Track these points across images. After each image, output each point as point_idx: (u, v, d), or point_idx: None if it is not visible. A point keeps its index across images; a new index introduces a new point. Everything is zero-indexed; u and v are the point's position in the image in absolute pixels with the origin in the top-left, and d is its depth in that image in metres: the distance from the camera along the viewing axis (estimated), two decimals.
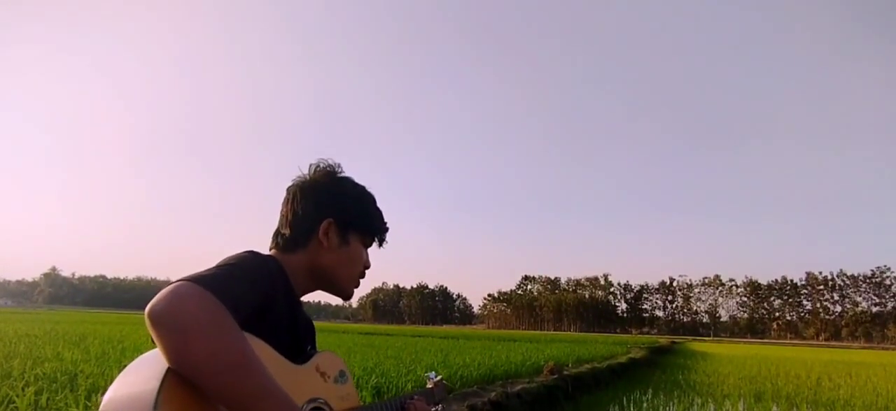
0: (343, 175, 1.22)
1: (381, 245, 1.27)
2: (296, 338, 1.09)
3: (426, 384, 1.43)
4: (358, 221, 1.19)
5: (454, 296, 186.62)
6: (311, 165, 1.21)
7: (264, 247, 1.16)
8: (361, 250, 1.21)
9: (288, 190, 1.19)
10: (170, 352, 0.77)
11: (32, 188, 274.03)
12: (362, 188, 1.23)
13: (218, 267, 0.92)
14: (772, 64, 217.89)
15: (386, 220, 1.26)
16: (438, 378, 1.45)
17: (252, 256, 1.00)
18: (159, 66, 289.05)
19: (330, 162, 1.22)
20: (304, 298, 1.18)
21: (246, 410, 0.80)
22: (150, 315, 0.77)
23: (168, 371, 0.78)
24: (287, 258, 1.12)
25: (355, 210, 1.19)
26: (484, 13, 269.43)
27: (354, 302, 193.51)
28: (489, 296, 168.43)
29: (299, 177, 1.20)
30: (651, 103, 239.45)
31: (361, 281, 1.24)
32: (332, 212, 1.15)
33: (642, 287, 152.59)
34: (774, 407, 7.94)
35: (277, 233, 1.16)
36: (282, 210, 1.18)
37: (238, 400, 0.79)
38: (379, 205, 1.27)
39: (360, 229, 1.20)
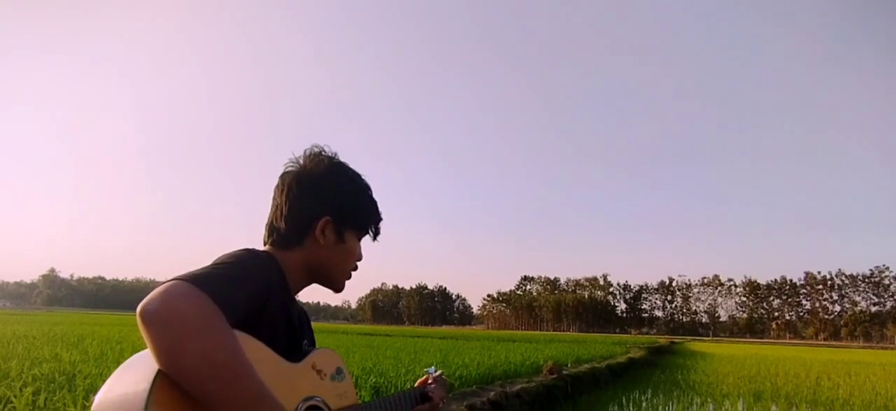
0: (339, 164, 1.17)
1: (375, 238, 1.23)
2: (292, 334, 1.07)
3: (427, 380, 1.41)
4: (354, 218, 1.16)
5: (453, 296, 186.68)
6: (306, 152, 1.15)
7: (261, 242, 1.14)
8: (356, 245, 1.18)
9: (282, 178, 1.14)
10: (159, 353, 0.75)
11: (31, 190, 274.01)
12: (359, 180, 1.18)
13: (214, 265, 0.90)
14: (770, 64, 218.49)
15: (380, 212, 1.22)
16: (438, 372, 1.43)
17: (249, 255, 0.98)
18: (164, 67, 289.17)
19: (326, 150, 1.16)
20: (303, 299, 1.17)
21: None
22: (142, 314, 0.75)
23: (159, 372, 0.76)
24: (283, 254, 1.09)
25: (352, 206, 1.15)
26: (494, 14, 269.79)
27: (353, 302, 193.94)
28: (488, 296, 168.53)
29: (293, 162, 1.15)
30: (651, 105, 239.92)
31: (354, 273, 1.20)
32: (330, 210, 1.11)
33: (641, 287, 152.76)
34: (774, 407, 7.95)
35: (272, 227, 1.12)
36: (275, 199, 1.13)
37: (226, 404, 0.77)
38: (375, 196, 1.22)
39: (356, 225, 1.17)
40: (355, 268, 1.20)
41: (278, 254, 1.09)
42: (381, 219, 1.22)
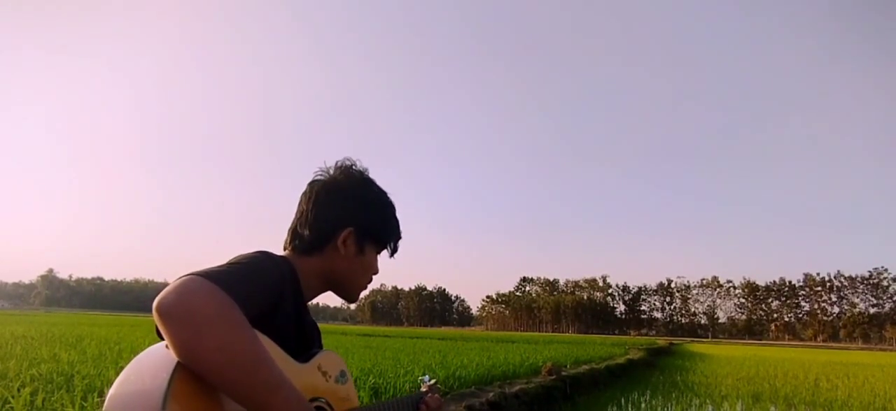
0: (368, 179, 1.20)
1: (392, 255, 1.26)
2: (302, 340, 1.09)
3: (420, 387, 1.44)
4: (376, 233, 1.19)
5: (452, 297, 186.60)
6: (337, 163, 1.19)
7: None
8: (374, 259, 1.21)
9: (311, 185, 1.17)
10: (179, 346, 0.76)
11: (30, 190, 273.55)
12: (385, 197, 1.22)
13: (229, 264, 0.91)
14: (770, 65, 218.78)
15: (400, 231, 1.26)
16: (432, 381, 1.47)
17: (264, 257, 0.99)
18: (163, 68, 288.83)
19: (357, 164, 1.20)
20: (313, 299, 1.18)
21: (256, 404, 0.80)
22: (160, 308, 0.76)
23: (177, 366, 0.77)
24: (301, 260, 1.11)
25: (375, 221, 1.18)
26: (493, 15, 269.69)
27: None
28: (488, 297, 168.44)
29: (323, 172, 1.18)
30: (650, 106, 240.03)
31: (368, 284, 1.24)
32: (353, 221, 1.14)
33: (640, 288, 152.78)
34: (772, 408, 7.95)
35: (295, 232, 1.14)
36: (301, 205, 1.16)
37: (248, 394, 0.79)
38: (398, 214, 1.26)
39: (376, 240, 1.20)
40: (370, 281, 1.23)
41: (296, 260, 1.11)
42: (400, 237, 1.26)
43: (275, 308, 0.98)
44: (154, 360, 0.81)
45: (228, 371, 0.77)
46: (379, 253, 1.23)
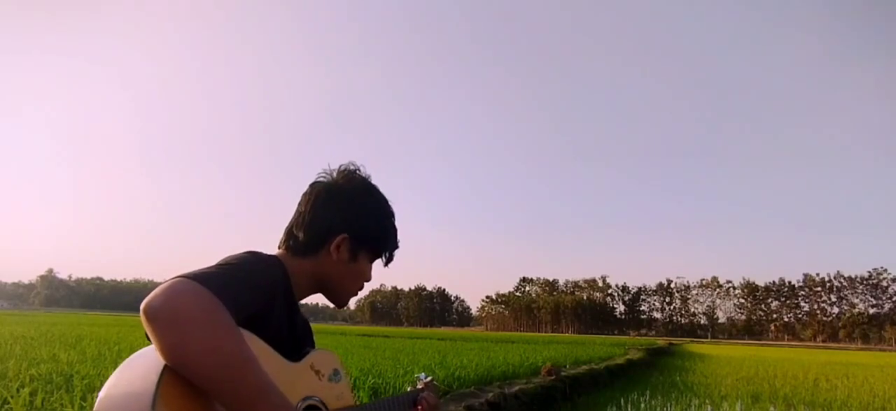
0: (370, 185, 1.19)
1: (386, 264, 1.25)
2: (294, 341, 1.09)
3: (416, 385, 1.43)
4: (371, 241, 1.17)
5: (452, 298, 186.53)
6: (340, 167, 1.18)
7: (267, 247, 1.15)
8: (367, 267, 1.20)
9: (312, 187, 1.16)
10: (165, 348, 0.76)
11: (30, 190, 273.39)
12: (385, 206, 1.21)
13: (218, 266, 0.91)
14: (769, 65, 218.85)
15: (398, 241, 1.24)
16: (429, 379, 1.46)
17: (254, 258, 0.99)
18: (162, 68, 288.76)
19: (361, 169, 1.19)
20: (302, 301, 1.18)
21: (242, 408, 0.79)
22: (146, 310, 0.76)
23: (165, 368, 0.77)
24: (293, 261, 1.10)
25: (371, 230, 1.17)
26: (492, 15, 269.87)
27: (352, 304, 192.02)
28: (487, 298, 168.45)
29: (326, 174, 1.17)
30: (650, 106, 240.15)
31: (359, 291, 1.23)
32: (349, 228, 1.13)
33: (640, 288, 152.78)
34: (772, 408, 7.95)
35: (290, 233, 1.13)
36: (300, 206, 1.15)
37: (234, 397, 0.79)
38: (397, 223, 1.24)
39: (371, 249, 1.18)
40: (361, 288, 1.21)
41: (289, 260, 1.10)
42: (397, 248, 1.24)
43: (267, 309, 0.97)
44: (144, 362, 0.81)
45: (214, 374, 0.77)
46: (373, 261, 1.21)
